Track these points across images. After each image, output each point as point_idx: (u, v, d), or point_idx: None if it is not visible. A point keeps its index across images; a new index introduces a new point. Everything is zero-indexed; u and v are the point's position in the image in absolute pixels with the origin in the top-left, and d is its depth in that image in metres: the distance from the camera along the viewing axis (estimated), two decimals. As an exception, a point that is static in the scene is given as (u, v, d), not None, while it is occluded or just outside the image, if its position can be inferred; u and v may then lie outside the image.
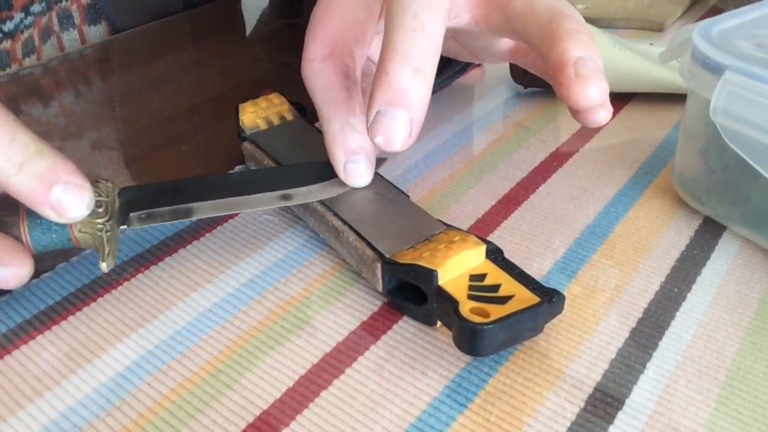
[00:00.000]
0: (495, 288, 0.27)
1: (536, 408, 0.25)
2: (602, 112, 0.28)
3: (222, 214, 0.32)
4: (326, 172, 0.32)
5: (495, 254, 0.28)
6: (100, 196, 0.29)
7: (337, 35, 0.32)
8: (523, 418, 0.24)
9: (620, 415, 0.25)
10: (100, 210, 0.29)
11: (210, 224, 0.34)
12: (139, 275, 0.31)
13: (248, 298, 0.30)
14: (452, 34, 0.35)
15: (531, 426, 0.24)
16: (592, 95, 0.27)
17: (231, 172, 0.36)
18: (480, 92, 0.46)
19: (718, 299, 0.29)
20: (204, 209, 0.31)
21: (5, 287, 0.28)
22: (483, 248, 0.28)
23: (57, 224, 0.28)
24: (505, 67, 0.46)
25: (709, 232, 0.33)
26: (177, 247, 0.32)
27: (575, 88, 0.27)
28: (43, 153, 0.26)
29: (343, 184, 0.32)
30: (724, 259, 0.32)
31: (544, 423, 0.24)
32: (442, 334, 0.28)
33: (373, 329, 0.28)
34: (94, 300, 0.29)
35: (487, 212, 0.35)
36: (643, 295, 0.30)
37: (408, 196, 0.32)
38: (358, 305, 0.29)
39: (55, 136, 0.41)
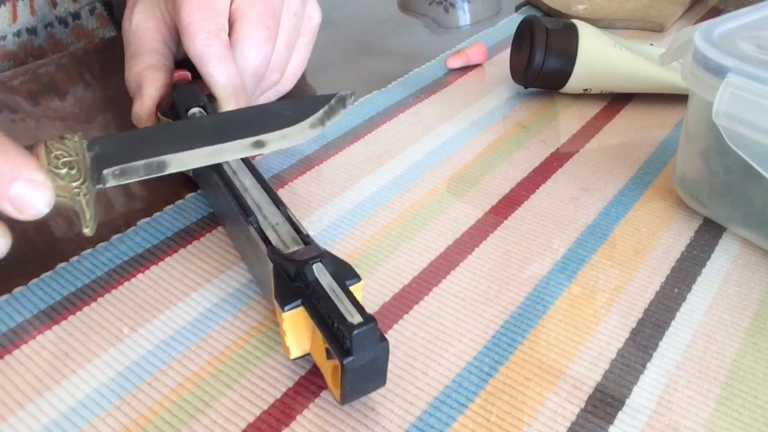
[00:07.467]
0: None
1: (536, 408, 0.25)
2: None
3: (197, 167, 0.30)
4: (300, 112, 0.32)
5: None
6: (69, 155, 0.27)
7: (217, 12, 0.36)
8: (523, 418, 0.24)
9: (620, 415, 0.25)
10: (74, 172, 0.27)
11: (210, 224, 0.34)
12: (139, 275, 0.31)
13: (248, 298, 0.30)
14: None
15: (531, 426, 0.24)
16: None
17: (200, 116, 0.35)
18: (480, 92, 0.46)
19: (718, 300, 0.29)
20: (178, 162, 0.29)
21: None
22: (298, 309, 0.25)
23: None
24: (506, 68, 0.46)
25: (710, 232, 0.33)
26: (177, 247, 0.32)
27: None
28: (5, 149, 0.26)
29: (317, 125, 0.32)
30: (725, 260, 0.32)
31: (544, 423, 0.24)
32: (442, 333, 0.28)
33: (373, 329, 0.28)
34: (94, 300, 0.29)
35: (488, 212, 0.35)
36: (643, 296, 0.30)
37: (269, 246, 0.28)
38: (358, 305, 0.29)
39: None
